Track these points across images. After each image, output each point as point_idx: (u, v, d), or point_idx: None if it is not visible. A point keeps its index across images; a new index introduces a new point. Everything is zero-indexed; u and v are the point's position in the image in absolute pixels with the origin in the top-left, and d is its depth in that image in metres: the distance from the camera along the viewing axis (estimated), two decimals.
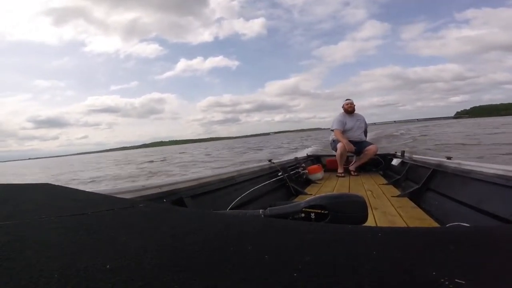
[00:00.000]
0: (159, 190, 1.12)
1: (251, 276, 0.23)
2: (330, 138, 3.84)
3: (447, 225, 0.54)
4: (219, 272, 0.23)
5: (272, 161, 2.60)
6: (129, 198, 0.92)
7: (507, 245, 0.31)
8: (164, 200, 1.11)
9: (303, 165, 3.28)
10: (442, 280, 0.21)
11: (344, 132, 3.62)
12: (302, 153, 4.21)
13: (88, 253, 0.27)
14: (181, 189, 1.24)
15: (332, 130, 3.71)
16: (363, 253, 0.27)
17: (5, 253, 0.25)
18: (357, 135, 3.65)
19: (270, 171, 2.42)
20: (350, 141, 3.52)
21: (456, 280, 0.21)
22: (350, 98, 3.84)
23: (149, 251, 0.27)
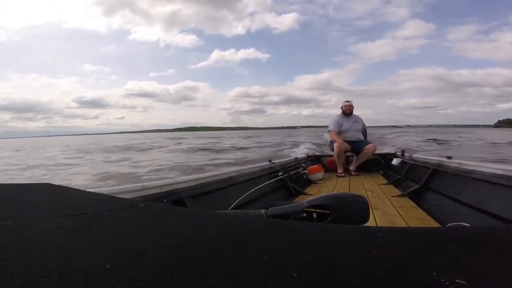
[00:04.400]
0: (159, 190, 1.12)
1: (251, 276, 0.23)
2: (328, 139, 3.86)
3: (447, 225, 0.54)
4: (219, 272, 0.23)
5: (272, 161, 2.60)
6: (129, 198, 0.92)
7: (508, 245, 0.31)
8: (165, 200, 1.11)
9: (303, 165, 3.28)
10: (443, 280, 0.21)
11: (340, 133, 3.67)
12: (302, 153, 4.21)
13: (88, 253, 0.27)
14: (181, 189, 1.24)
15: (329, 131, 3.75)
16: (364, 253, 0.27)
17: (5, 253, 0.25)
18: (353, 135, 3.68)
19: (270, 171, 2.42)
20: (346, 141, 3.55)
21: (457, 280, 0.21)
22: (349, 100, 3.86)
23: (149, 251, 0.27)
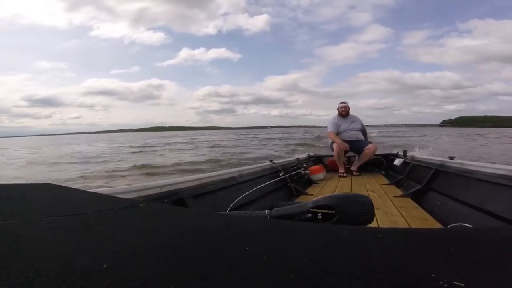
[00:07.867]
0: (160, 190, 1.12)
1: (249, 276, 0.23)
2: (329, 141, 3.87)
3: (449, 226, 0.54)
4: (216, 272, 0.23)
5: (274, 161, 2.59)
6: (129, 198, 0.92)
7: (510, 247, 0.30)
8: (165, 200, 1.11)
9: (304, 165, 3.27)
10: (441, 282, 0.21)
11: (338, 133, 3.69)
12: (303, 154, 4.21)
13: (86, 252, 0.27)
14: (182, 189, 1.24)
15: (328, 133, 3.77)
16: (362, 254, 0.27)
17: (3, 253, 0.25)
18: (352, 134, 3.69)
19: (271, 171, 2.41)
20: (345, 140, 3.56)
21: (455, 282, 0.21)
22: (345, 101, 3.86)
23: (147, 251, 0.27)
